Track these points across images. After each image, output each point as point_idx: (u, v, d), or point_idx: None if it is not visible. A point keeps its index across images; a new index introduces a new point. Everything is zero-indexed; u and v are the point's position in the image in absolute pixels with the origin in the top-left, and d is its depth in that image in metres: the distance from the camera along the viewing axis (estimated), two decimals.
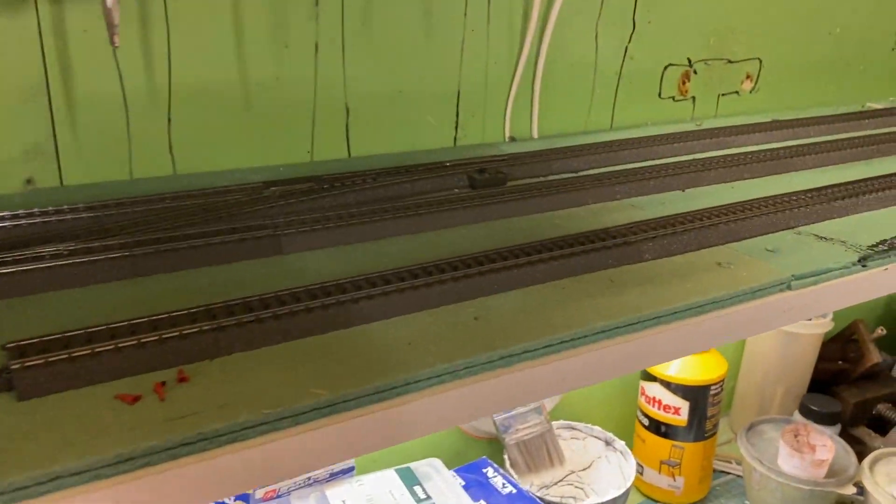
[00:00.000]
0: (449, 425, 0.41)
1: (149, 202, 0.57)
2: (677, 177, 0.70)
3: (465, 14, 0.75)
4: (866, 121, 0.95)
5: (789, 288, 0.52)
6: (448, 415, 0.40)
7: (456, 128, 0.80)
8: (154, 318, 0.40)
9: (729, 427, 1.19)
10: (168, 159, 0.66)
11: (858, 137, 0.87)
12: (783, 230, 0.61)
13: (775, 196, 0.66)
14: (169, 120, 0.65)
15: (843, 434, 1.09)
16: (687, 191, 0.70)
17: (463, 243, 0.55)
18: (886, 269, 0.57)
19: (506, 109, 0.82)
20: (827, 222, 0.63)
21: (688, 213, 0.61)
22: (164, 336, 0.39)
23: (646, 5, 0.86)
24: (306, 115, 0.71)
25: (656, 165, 0.73)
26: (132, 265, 0.47)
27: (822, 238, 0.59)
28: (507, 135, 0.83)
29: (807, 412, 1.08)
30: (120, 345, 0.38)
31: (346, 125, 0.74)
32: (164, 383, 0.37)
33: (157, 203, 0.57)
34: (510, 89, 0.81)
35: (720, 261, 0.55)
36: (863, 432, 1.13)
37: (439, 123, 0.79)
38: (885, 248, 0.57)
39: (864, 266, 0.56)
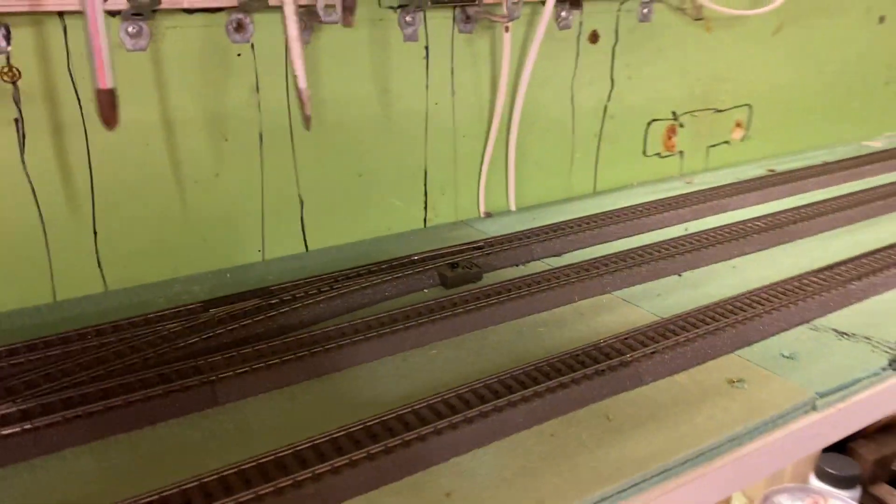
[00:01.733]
0: None
1: (66, 342, 0.49)
2: (672, 259, 0.63)
3: (427, 87, 0.68)
4: (867, 167, 0.89)
5: (814, 409, 0.45)
6: None
7: (425, 208, 0.72)
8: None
9: (743, 494, 1.11)
10: (97, 275, 0.58)
11: (863, 191, 0.80)
12: (798, 325, 0.53)
13: (784, 281, 0.58)
14: (95, 232, 0.57)
15: (864, 495, 1.01)
16: (684, 275, 0.62)
17: (431, 374, 0.47)
18: None
19: (479, 183, 0.74)
20: (845, 310, 0.55)
21: (687, 313, 0.53)
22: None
23: (624, 60, 0.80)
24: (254, 211, 0.63)
25: (648, 245, 0.66)
26: (33, 443, 0.39)
27: (842, 335, 0.52)
28: (483, 210, 0.75)
29: (823, 475, 1.00)
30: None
31: (301, 218, 0.66)
32: None
33: (77, 342, 0.49)
34: (482, 161, 0.74)
35: (731, 377, 0.47)
36: (885, 491, 1.05)
37: (406, 205, 0.71)
38: None
39: (895, 370, 0.48)
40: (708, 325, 0.51)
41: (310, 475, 0.36)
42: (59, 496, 0.37)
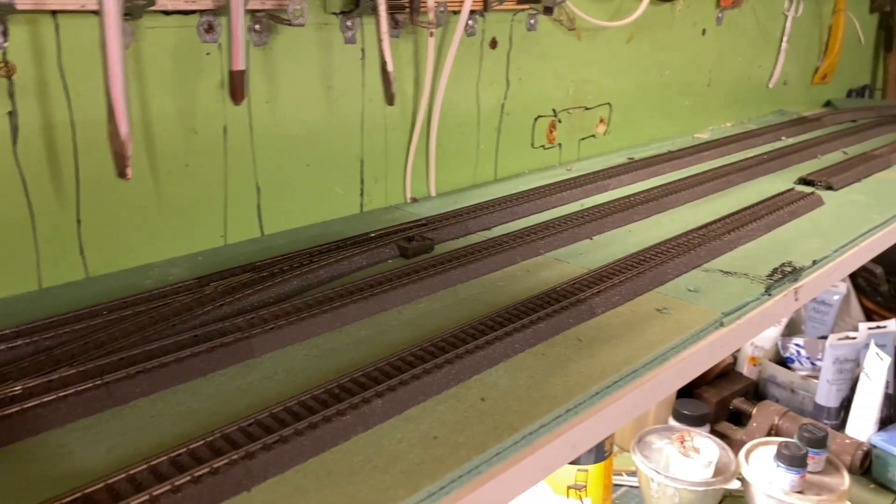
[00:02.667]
0: None
1: (87, 317, 0.52)
2: (583, 226, 0.76)
3: (363, 85, 0.76)
4: (704, 153, 1.08)
5: (722, 325, 0.59)
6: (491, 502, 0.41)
7: (362, 194, 0.80)
8: (173, 455, 0.37)
9: (615, 443, 1.27)
10: (79, 262, 0.60)
11: (709, 171, 0.98)
12: (693, 269, 0.68)
13: (674, 237, 0.73)
14: (79, 221, 0.59)
15: (711, 432, 1.21)
16: (595, 238, 0.75)
17: (426, 320, 0.56)
18: (784, 294, 0.65)
19: (405, 172, 0.83)
20: (725, 256, 0.71)
21: (612, 264, 0.66)
22: (196, 475, 0.36)
23: (517, 64, 0.92)
24: (218, 199, 0.68)
25: (560, 217, 0.78)
26: (107, 395, 0.43)
27: (726, 273, 0.67)
28: (409, 196, 0.84)
29: (680, 417, 1.18)
30: (155, 493, 0.35)
31: (258, 205, 0.71)
32: None
33: (96, 317, 0.52)
34: (408, 152, 0.83)
35: (658, 307, 0.60)
36: (726, 427, 1.26)
37: (346, 192, 0.79)
38: (779, 276, 0.66)
39: (770, 294, 0.64)
40: (631, 271, 0.64)
41: (365, 397, 0.44)
42: (150, 436, 0.41)
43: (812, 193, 0.87)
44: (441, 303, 0.59)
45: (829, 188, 0.93)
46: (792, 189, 0.90)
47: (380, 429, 0.43)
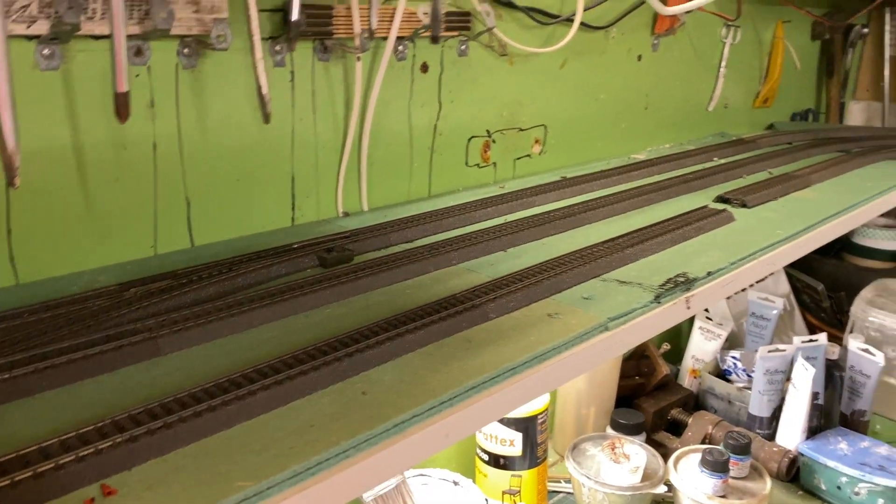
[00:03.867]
0: (353, 496, 0.46)
1: (5, 319, 0.56)
2: (498, 239, 0.80)
3: (293, 106, 0.81)
4: (634, 172, 1.13)
5: (607, 329, 0.63)
6: (353, 486, 0.45)
7: (293, 208, 0.85)
8: (63, 438, 0.41)
9: (553, 449, 1.31)
10: (9, 270, 0.64)
11: (633, 188, 1.03)
12: (592, 279, 0.72)
13: (581, 249, 0.78)
14: (9, 231, 0.63)
15: (648, 441, 1.26)
16: (509, 250, 0.80)
17: (331, 323, 0.60)
18: (675, 302, 0.70)
19: (337, 188, 0.88)
20: (624, 268, 0.76)
21: (514, 273, 0.70)
22: (80, 455, 0.40)
23: (448, 86, 0.97)
24: (147, 210, 0.73)
25: (479, 231, 0.83)
26: (14, 387, 0.47)
27: (622, 283, 0.72)
28: (341, 210, 0.89)
29: (617, 426, 1.23)
30: (39, 470, 0.39)
31: (188, 217, 0.76)
32: (92, 500, 0.38)
33: (17, 319, 0.56)
34: (339, 169, 0.87)
35: (550, 312, 0.65)
36: (663, 436, 1.30)
37: (277, 206, 0.83)
38: (671, 285, 0.71)
39: (658, 303, 0.69)
40: (529, 279, 0.69)
41: (251, 389, 0.48)
42: (48, 423, 0.45)
43: (724, 211, 0.93)
44: (348, 308, 0.64)
45: (744, 206, 0.98)
46: (706, 206, 0.95)
47: (263, 418, 0.47)
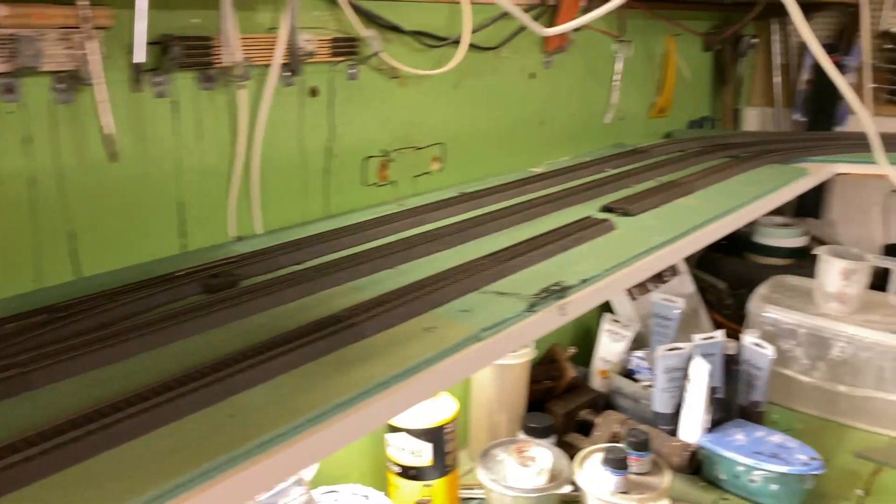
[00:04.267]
0: None
1: None
2: (388, 257, 0.83)
3: (178, 135, 0.82)
4: (529, 185, 1.17)
5: (480, 339, 0.67)
6: None
7: (184, 235, 0.85)
8: None
9: (469, 457, 1.35)
10: None
11: (525, 202, 1.07)
12: (472, 292, 0.76)
13: (464, 264, 0.81)
14: None
15: (559, 443, 1.30)
16: (397, 267, 0.83)
17: (207, 349, 0.62)
18: (549, 311, 0.74)
19: (228, 213, 0.89)
20: (504, 280, 0.79)
21: (397, 290, 0.73)
22: None
23: (340, 109, 1.00)
24: (26, 246, 0.73)
25: (370, 249, 0.85)
26: None
27: (501, 294, 0.75)
28: (233, 235, 0.90)
29: (527, 430, 1.27)
30: None
31: (73, 249, 0.76)
32: None
33: None
34: (228, 194, 0.89)
35: (427, 326, 0.68)
36: (573, 437, 1.35)
37: (166, 234, 0.84)
38: (545, 294, 0.75)
39: (532, 311, 0.72)
40: (410, 295, 0.72)
41: (118, 418, 0.49)
42: None
43: (605, 220, 0.97)
44: (229, 333, 0.65)
45: (627, 214, 1.03)
46: (589, 216, 1.00)
47: (129, 446, 0.48)
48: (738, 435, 1.28)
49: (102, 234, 0.78)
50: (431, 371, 0.61)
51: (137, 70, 0.65)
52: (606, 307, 1.58)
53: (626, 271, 0.85)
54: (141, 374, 0.57)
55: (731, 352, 1.41)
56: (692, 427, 1.30)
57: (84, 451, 0.46)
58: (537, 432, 1.26)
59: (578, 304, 0.78)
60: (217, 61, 0.82)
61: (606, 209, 1.05)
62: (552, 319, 0.74)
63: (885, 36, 1.85)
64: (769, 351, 1.33)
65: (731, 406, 1.41)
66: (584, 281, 0.79)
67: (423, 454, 1.10)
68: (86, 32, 0.60)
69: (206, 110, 0.84)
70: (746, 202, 1.14)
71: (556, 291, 0.76)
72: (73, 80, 0.72)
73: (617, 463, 1.11)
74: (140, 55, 0.64)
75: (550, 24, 1.28)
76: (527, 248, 0.87)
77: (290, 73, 0.83)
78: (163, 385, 0.53)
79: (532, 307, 0.73)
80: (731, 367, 1.40)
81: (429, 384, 0.61)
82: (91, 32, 0.61)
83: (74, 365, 0.57)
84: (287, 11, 0.80)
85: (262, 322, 0.68)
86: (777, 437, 1.28)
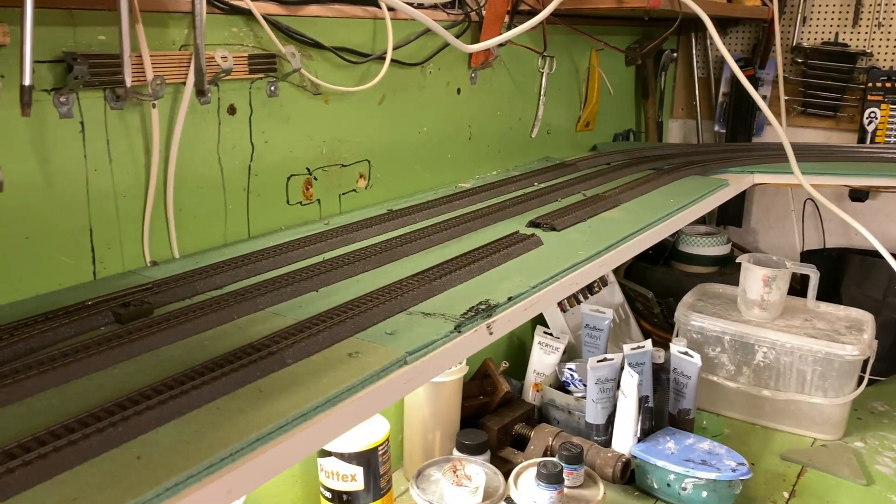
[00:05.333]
0: None
1: None
2: (311, 279, 0.81)
3: (85, 157, 0.78)
4: (458, 201, 1.17)
5: (406, 363, 0.65)
6: None
7: (94, 262, 0.81)
8: None
9: (404, 476, 1.32)
10: None
11: (453, 218, 1.07)
12: (398, 313, 0.74)
13: (390, 284, 0.79)
14: None
15: (494, 458, 1.29)
16: (321, 290, 0.80)
17: (115, 385, 0.58)
18: (476, 330, 0.73)
19: (143, 237, 0.85)
20: (431, 300, 0.78)
21: (320, 314, 0.71)
22: None
23: (260, 128, 0.97)
24: None
25: (292, 271, 0.83)
26: None
27: (427, 314, 0.74)
28: (149, 260, 0.86)
29: (461, 447, 1.26)
30: None
31: None
32: None
33: None
34: (143, 218, 0.85)
35: (350, 351, 0.66)
36: (508, 452, 1.34)
37: (75, 261, 0.80)
38: (472, 314, 0.74)
39: (459, 332, 0.71)
40: (333, 319, 0.69)
41: (9, 466, 0.46)
42: None
43: (532, 235, 0.97)
44: (139, 366, 0.62)
45: (553, 229, 1.04)
46: (517, 232, 1.00)
47: (23, 496, 0.45)
48: (669, 443, 1.30)
49: (5, 262, 0.73)
50: (355, 399, 0.59)
51: (28, 93, 0.61)
52: (538, 319, 1.59)
53: (553, 287, 0.85)
54: (40, 416, 0.54)
55: (659, 360, 1.43)
56: (624, 437, 1.31)
57: (105, 442, 0.43)
58: (472, 449, 1.25)
59: (506, 323, 0.77)
60: (130, 79, 0.79)
61: (533, 224, 1.05)
62: (480, 339, 0.73)
63: (798, 50, 1.93)
64: (696, 359, 1.35)
65: (661, 414, 1.43)
66: (511, 298, 0.79)
67: (355, 478, 1.07)
68: None
69: (117, 130, 0.81)
70: (669, 214, 1.16)
71: (484, 310, 0.75)
72: None
73: (551, 478, 1.10)
74: (27, 77, 0.60)
75: (475, 41, 1.28)
76: (454, 266, 0.86)
77: (202, 92, 0.80)
78: (63, 427, 0.50)
79: (459, 328, 0.71)
80: (661, 376, 1.42)
81: (353, 412, 0.59)
82: None
83: None
84: (198, 27, 0.77)
85: (175, 353, 0.64)
86: (706, 444, 1.30)
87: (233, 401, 0.57)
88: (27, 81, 0.60)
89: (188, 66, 0.84)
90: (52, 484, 0.46)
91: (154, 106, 0.82)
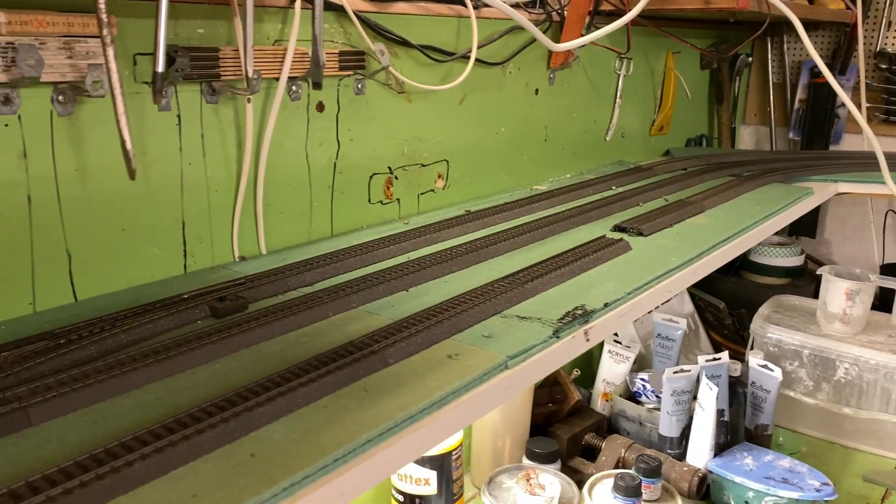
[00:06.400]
0: None
1: None
2: (401, 279, 0.79)
3: (181, 150, 0.78)
4: (536, 204, 1.14)
5: (507, 368, 0.63)
6: None
7: (185, 255, 0.81)
8: None
9: (471, 483, 1.30)
10: None
11: (534, 221, 1.04)
12: (492, 316, 0.72)
13: (481, 286, 0.78)
14: None
15: (564, 467, 1.26)
16: (411, 290, 0.79)
17: (221, 379, 0.58)
18: (574, 336, 0.70)
19: (232, 232, 0.85)
20: (524, 303, 0.76)
21: (415, 314, 0.69)
22: None
23: (346, 125, 0.96)
24: (23, 267, 0.68)
25: (381, 270, 0.82)
26: None
27: (522, 318, 0.72)
28: (237, 255, 0.86)
29: (532, 455, 1.23)
30: None
31: (70, 271, 0.72)
32: None
33: None
34: (234, 213, 0.85)
35: (450, 353, 0.64)
36: (578, 462, 1.31)
37: (167, 254, 0.80)
38: (570, 319, 0.72)
39: (557, 337, 0.69)
40: (430, 320, 0.68)
41: (129, 460, 0.45)
42: None
43: (620, 240, 0.95)
44: (239, 362, 0.61)
45: (640, 234, 1.01)
46: (604, 236, 0.97)
47: (141, 490, 0.44)
48: (747, 459, 1.25)
49: (100, 254, 0.74)
50: (459, 402, 0.58)
51: (160, 80, 0.61)
52: None
53: (648, 294, 0.82)
54: (149, 408, 0.53)
55: (735, 373, 1.38)
56: (700, 451, 1.27)
57: (93, 498, 0.42)
58: (543, 458, 1.22)
59: (602, 330, 0.74)
60: (224, 73, 0.79)
61: (619, 229, 1.03)
62: (577, 346, 0.71)
63: (881, 56, 1.86)
64: (777, 373, 1.30)
65: (736, 429, 1.38)
66: (607, 305, 0.76)
67: (429, 482, 1.06)
68: (105, 40, 0.56)
69: (211, 125, 0.81)
70: (758, 221, 1.12)
71: (580, 316, 0.73)
72: (73, 92, 0.68)
73: (629, 490, 1.07)
74: (160, 64, 0.60)
75: (555, 41, 1.25)
76: (543, 270, 0.83)
77: (318, 85, 0.79)
78: (176, 421, 0.49)
79: (557, 333, 0.69)
80: (737, 390, 1.38)
81: (457, 417, 0.57)
82: (110, 40, 0.57)
83: (77, 398, 0.53)
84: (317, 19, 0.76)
85: (274, 349, 0.64)
86: (786, 462, 1.25)
87: (339, 399, 0.55)
88: (160, 68, 0.60)
89: (282, 62, 0.83)
90: (169, 479, 0.45)
91: (249, 101, 0.82)
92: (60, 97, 0.67)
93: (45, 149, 0.68)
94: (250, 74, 0.78)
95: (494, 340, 0.67)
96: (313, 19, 0.76)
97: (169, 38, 0.74)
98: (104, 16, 0.56)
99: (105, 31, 0.56)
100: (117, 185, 0.74)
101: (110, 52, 0.57)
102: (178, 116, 0.78)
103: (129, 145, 0.58)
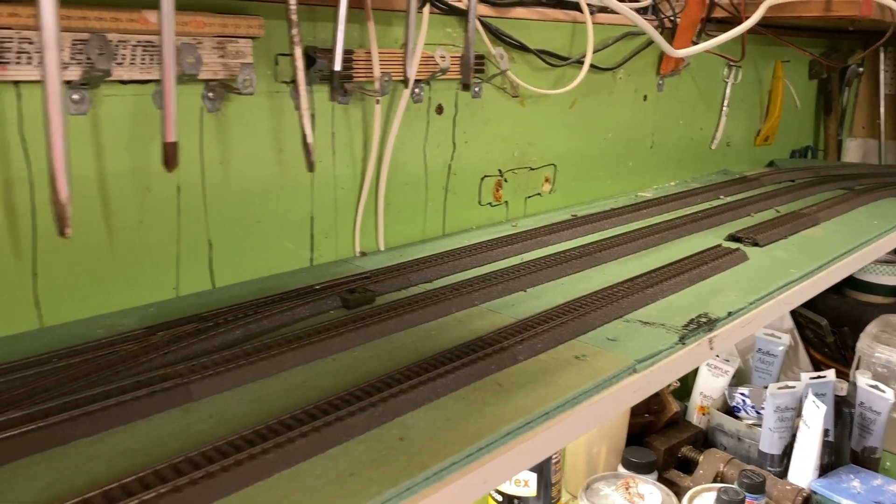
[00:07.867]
0: None
1: (37, 364, 0.55)
2: (518, 279, 0.81)
3: (314, 147, 0.82)
4: (644, 210, 1.14)
5: (635, 371, 0.63)
6: None
7: (312, 249, 0.85)
8: (106, 489, 0.41)
9: (565, 489, 1.30)
10: (34, 313, 0.64)
11: (644, 227, 1.04)
12: (615, 320, 0.73)
13: (601, 290, 0.78)
14: (35, 274, 0.63)
15: (659, 479, 1.25)
16: (528, 290, 0.80)
17: (359, 366, 0.60)
18: (699, 344, 0.70)
19: (354, 228, 0.88)
20: (645, 309, 0.76)
21: (539, 314, 0.70)
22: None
23: (462, 128, 0.98)
24: (170, 253, 0.72)
25: (497, 270, 0.83)
26: (50, 436, 0.47)
27: (646, 323, 0.72)
28: (358, 250, 0.89)
29: (628, 464, 1.22)
30: None
31: (210, 258, 0.76)
32: None
33: (46, 364, 0.55)
34: (357, 209, 0.88)
35: (577, 354, 0.65)
36: (674, 475, 1.29)
37: (296, 247, 0.83)
38: (695, 326, 0.71)
39: (683, 344, 0.69)
40: (555, 320, 0.69)
41: (290, 437, 0.47)
42: (85, 473, 0.45)
43: (737, 250, 0.93)
44: (375, 351, 0.63)
45: (756, 244, 0.99)
46: (719, 245, 0.96)
47: (301, 466, 0.46)
48: (854, 482, 1.21)
49: (237, 244, 0.77)
50: (590, 402, 0.58)
51: (336, 78, 0.65)
52: None
53: (770, 304, 0.81)
54: (298, 390, 0.56)
55: (841, 393, 1.34)
56: (803, 470, 1.23)
57: (261, 470, 0.45)
58: (640, 467, 1.21)
59: (725, 338, 0.74)
60: (355, 75, 0.81)
61: (733, 238, 1.01)
62: (702, 353, 0.70)
63: None
64: (889, 394, 1.25)
65: (840, 450, 1.34)
66: (731, 314, 0.75)
67: (528, 484, 1.06)
68: (294, 39, 0.61)
69: (341, 124, 0.84)
70: (878, 235, 1.08)
71: (705, 324, 0.72)
72: (222, 89, 0.71)
73: None
74: (338, 63, 0.64)
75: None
76: (662, 276, 0.83)
77: (467, 86, 0.82)
78: (328, 403, 0.52)
79: (683, 339, 0.69)
80: (842, 409, 1.33)
81: (588, 417, 0.58)
82: (298, 39, 0.61)
83: (231, 377, 0.56)
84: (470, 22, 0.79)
85: (406, 341, 0.66)
86: None
87: (475, 392, 0.57)
88: (337, 67, 0.63)
89: (406, 65, 0.86)
90: (326, 457, 0.47)
91: (378, 102, 0.84)
92: (210, 94, 0.71)
93: (193, 142, 0.72)
94: (382, 77, 0.81)
95: (620, 344, 0.67)
96: (466, 23, 0.78)
97: (308, 39, 0.78)
98: (294, 16, 0.60)
99: (294, 31, 0.59)
100: (256, 179, 0.77)
101: (298, 50, 0.61)
102: (312, 116, 0.81)
103: (310, 139, 0.62)
